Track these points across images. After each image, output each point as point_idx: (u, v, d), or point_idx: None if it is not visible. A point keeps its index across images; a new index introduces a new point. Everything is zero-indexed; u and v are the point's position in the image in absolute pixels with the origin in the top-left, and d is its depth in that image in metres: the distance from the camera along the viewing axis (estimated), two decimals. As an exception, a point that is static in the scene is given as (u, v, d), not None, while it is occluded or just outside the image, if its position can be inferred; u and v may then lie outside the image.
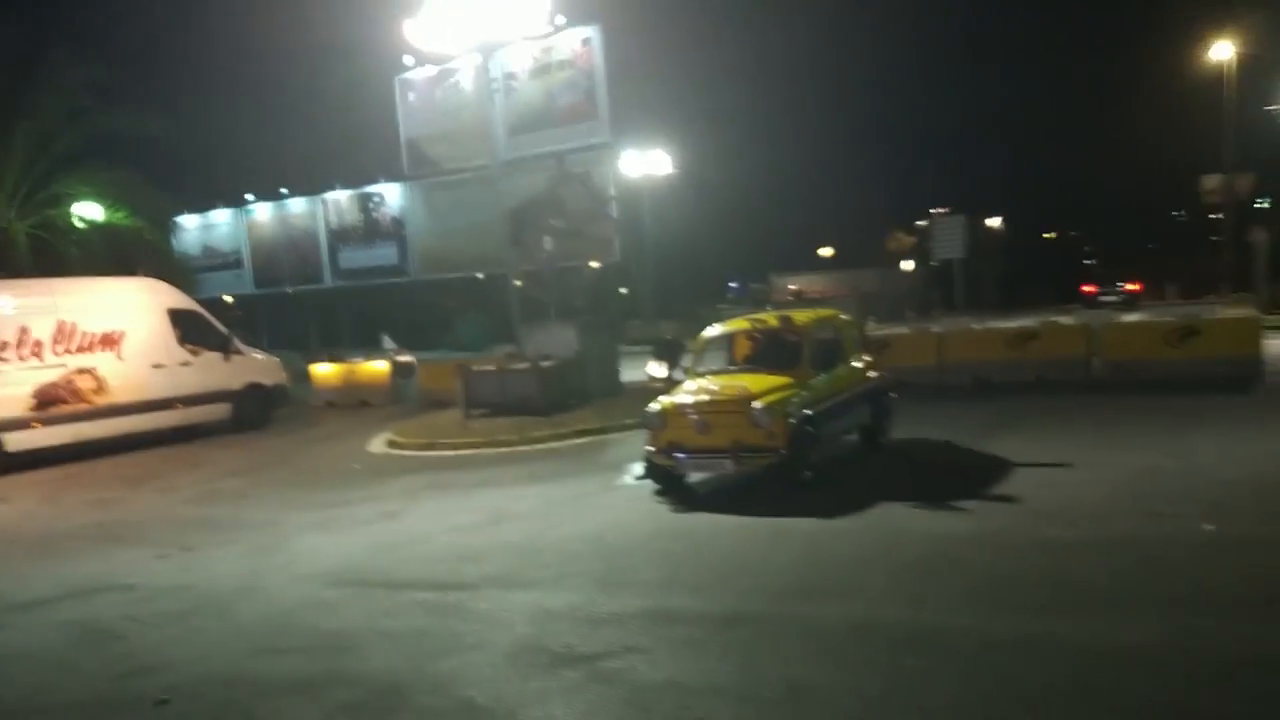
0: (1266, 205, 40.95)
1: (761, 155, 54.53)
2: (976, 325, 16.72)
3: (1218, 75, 31.99)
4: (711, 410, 8.58)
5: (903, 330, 17.46)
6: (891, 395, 10.84)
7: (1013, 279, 54.69)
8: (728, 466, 8.55)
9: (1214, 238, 37.48)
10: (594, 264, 24.53)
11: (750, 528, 7.55)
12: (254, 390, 17.57)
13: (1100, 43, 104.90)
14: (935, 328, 16.83)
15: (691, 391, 9.02)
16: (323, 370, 21.68)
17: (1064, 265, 63.44)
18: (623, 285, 45.38)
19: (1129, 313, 16.55)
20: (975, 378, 15.04)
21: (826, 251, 62.30)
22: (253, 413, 17.47)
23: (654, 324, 37.26)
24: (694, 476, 9.15)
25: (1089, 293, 38.84)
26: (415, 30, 17.79)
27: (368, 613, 6.19)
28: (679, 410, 8.77)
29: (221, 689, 5.09)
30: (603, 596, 6.04)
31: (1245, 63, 31.93)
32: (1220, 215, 36.38)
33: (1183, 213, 60.38)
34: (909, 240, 65.47)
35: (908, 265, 58.60)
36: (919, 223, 62.02)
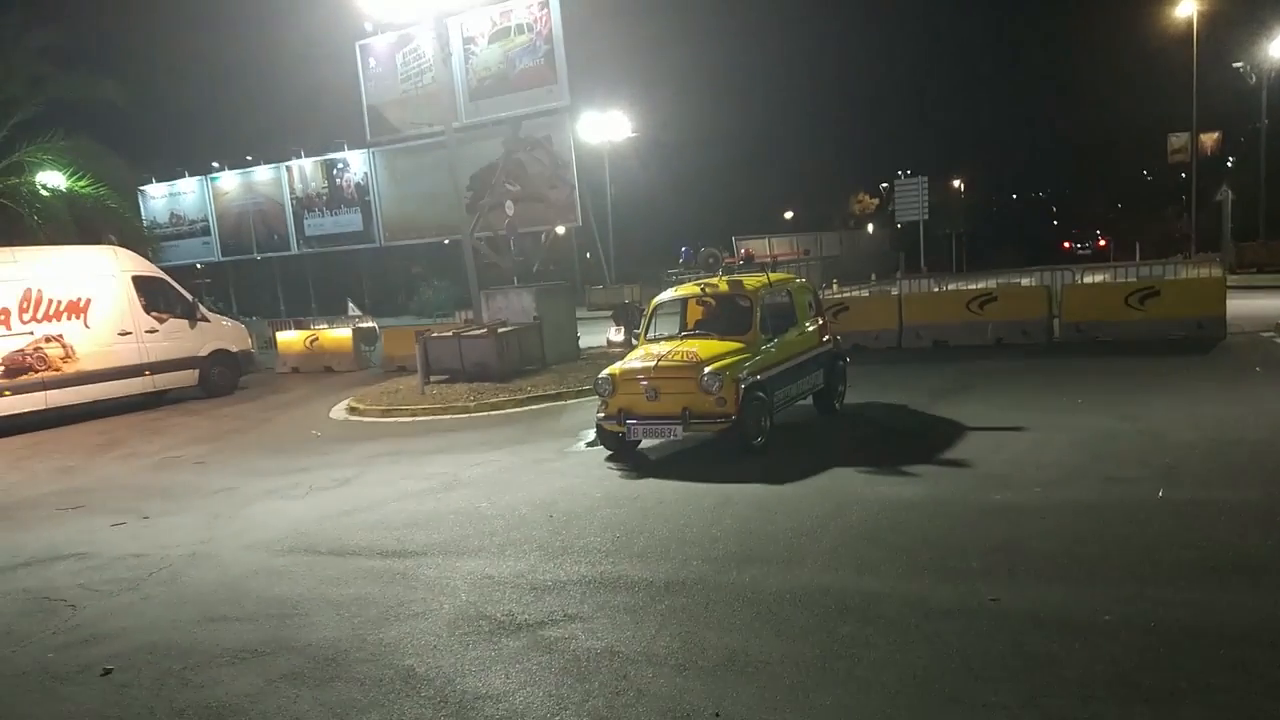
0: (1231, 164, 41.33)
1: (723, 119, 54.27)
2: (936, 288, 16.82)
3: (1185, 32, 32.08)
4: (661, 376, 8.61)
5: (862, 293, 17.54)
6: (845, 360, 10.93)
7: (978, 240, 55.05)
8: (678, 433, 8.59)
9: (1182, 197, 37.78)
10: (558, 229, 24.39)
11: (698, 494, 7.61)
12: (220, 357, 17.58)
13: (1067, 3, 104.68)
14: (895, 290, 16.92)
15: (641, 357, 9.04)
16: (288, 337, 21.52)
17: (1030, 226, 63.87)
18: (585, 251, 45.21)
19: (1090, 274, 16.66)
20: (935, 341, 15.18)
21: (789, 215, 62.25)
22: (219, 379, 17.51)
23: (614, 289, 37.23)
24: (645, 443, 9.21)
25: (1066, 248, 40.70)
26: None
27: (316, 580, 6.21)
28: (629, 376, 8.79)
29: (166, 658, 5.10)
30: (547, 564, 6.09)
31: (1212, 20, 32.08)
32: (1186, 174, 36.70)
33: (1149, 173, 60.81)
34: (872, 203, 65.61)
35: (870, 228, 58.77)
36: (883, 185, 62.15)
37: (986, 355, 13.93)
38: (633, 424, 8.70)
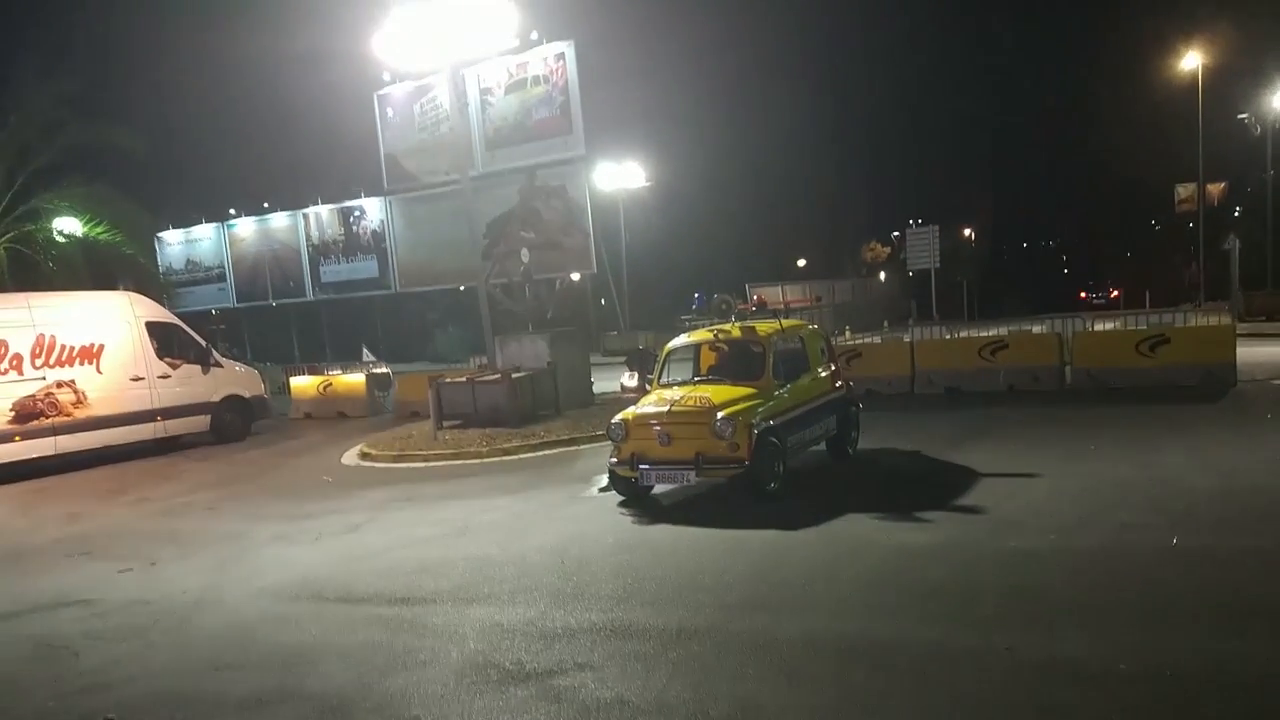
0: (1238, 214, 41.41)
1: (736, 168, 54.75)
2: (948, 335, 16.80)
3: (1191, 84, 32.39)
4: (674, 421, 8.60)
5: (875, 340, 17.54)
6: (858, 406, 10.90)
7: (990, 288, 55.12)
8: (691, 478, 8.57)
9: (1190, 246, 37.88)
10: (573, 276, 24.57)
11: (711, 539, 7.56)
12: (233, 402, 17.61)
13: (1075, 56, 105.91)
14: (907, 337, 16.91)
15: (655, 403, 9.04)
16: (301, 382, 21.61)
17: (1041, 274, 64.04)
18: (599, 297, 45.48)
19: (1101, 321, 16.63)
20: (947, 387, 15.13)
21: (802, 262, 62.62)
22: (231, 425, 17.52)
23: (629, 335, 37.36)
24: (658, 488, 9.17)
25: (1083, 297, 41.53)
26: (386, 47, 17.84)
27: (323, 628, 6.16)
28: (642, 421, 8.78)
29: (169, 707, 5.05)
30: (558, 611, 6.03)
31: (1218, 71, 32.40)
32: (1193, 224, 36.80)
33: (1157, 223, 61.02)
34: (884, 251, 65.93)
35: (883, 275, 59.00)
36: (894, 234, 62.50)
37: (999, 402, 13.87)
38: (646, 469, 8.67)
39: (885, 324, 32.25)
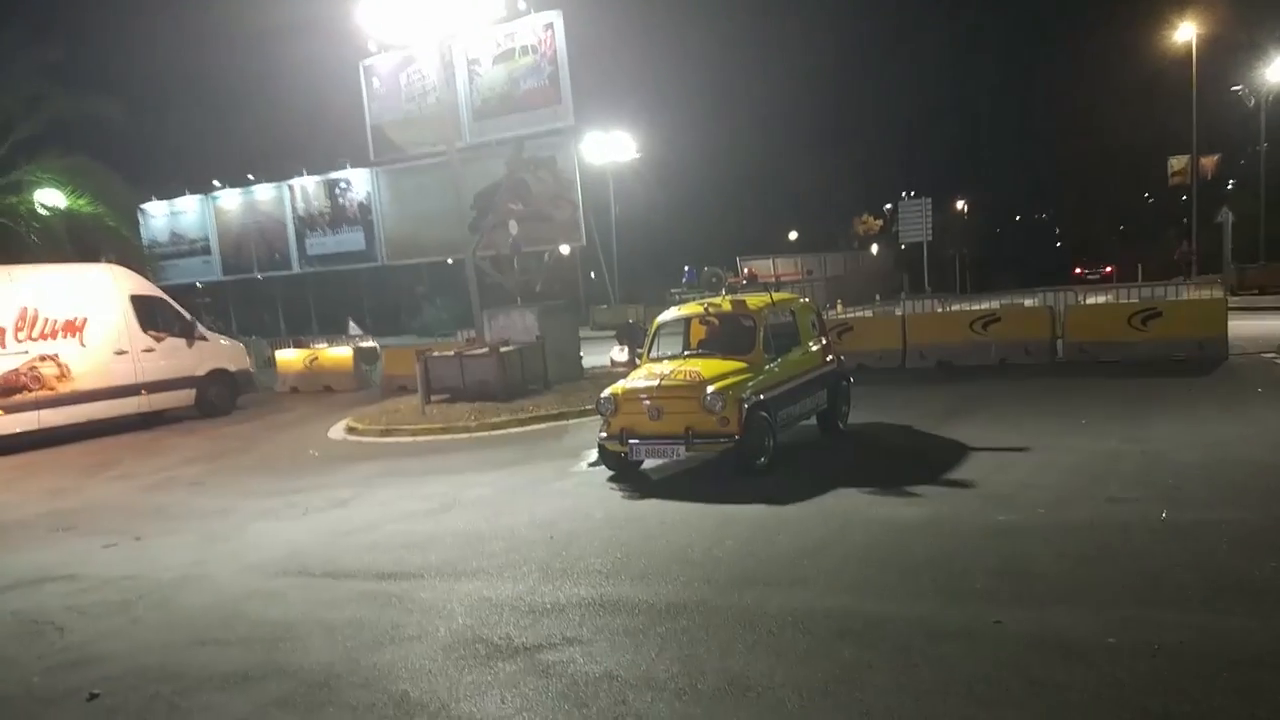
0: (1231, 187, 41.41)
1: (727, 139, 54.51)
2: (940, 308, 16.77)
3: (1185, 56, 32.23)
4: (664, 396, 8.55)
5: (866, 314, 17.49)
6: (849, 380, 10.86)
7: (982, 261, 55.12)
8: (681, 452, 8.53)
9: (1184, 219, 37.88)
10: (562, 249, 24.40)
11: (700, 514, 7.52)
12: (218, 376, 17.50)
13: (1070, 27, 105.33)
14: (899, 311, 16.88)
15: (644, 377, 8.98)
16: (287, 356, 21.47)
17: (1033, 248, 64.07)
18: (589, 270, 45.30)
19: (1093, 295, 16.62)
20: (939, 361, 15.11)
21: (793, 235, 62.44)
22: (217, 399, 17.41)
23: (619, 308, 37.25)
24: (647, 463, 9.13)
25: (1079, 273, 42.34)
26: (371, 17, 17.56)
27: (310, 603, 6.11)
28: (632, 396, 8.72)
29: (154, 682, 4.99)
30: (546, 585, 5.99)
31: (1211, 43, 32.24)
32: (1186, 197, 36.77)
33: (1150, 196, 60.96)
34: (876, 224, 65.79)
35: (875, 249, 58.91)
36: (887, 206, 62.32)
37: (990, 375, 13.86)
38: (635, 444, 8.63)
39: (877, 297, 32.24)
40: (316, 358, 20.91)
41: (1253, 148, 34.77)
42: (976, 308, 16.01)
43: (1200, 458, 8.00)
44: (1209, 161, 36.79)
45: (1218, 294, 14.88)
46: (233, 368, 17.91)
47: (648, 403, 8.60)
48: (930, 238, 33.55)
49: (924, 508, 7.17)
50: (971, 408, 11.38)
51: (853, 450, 9.86)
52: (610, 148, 40.96)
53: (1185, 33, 31.82)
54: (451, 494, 9.09)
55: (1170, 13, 32.51)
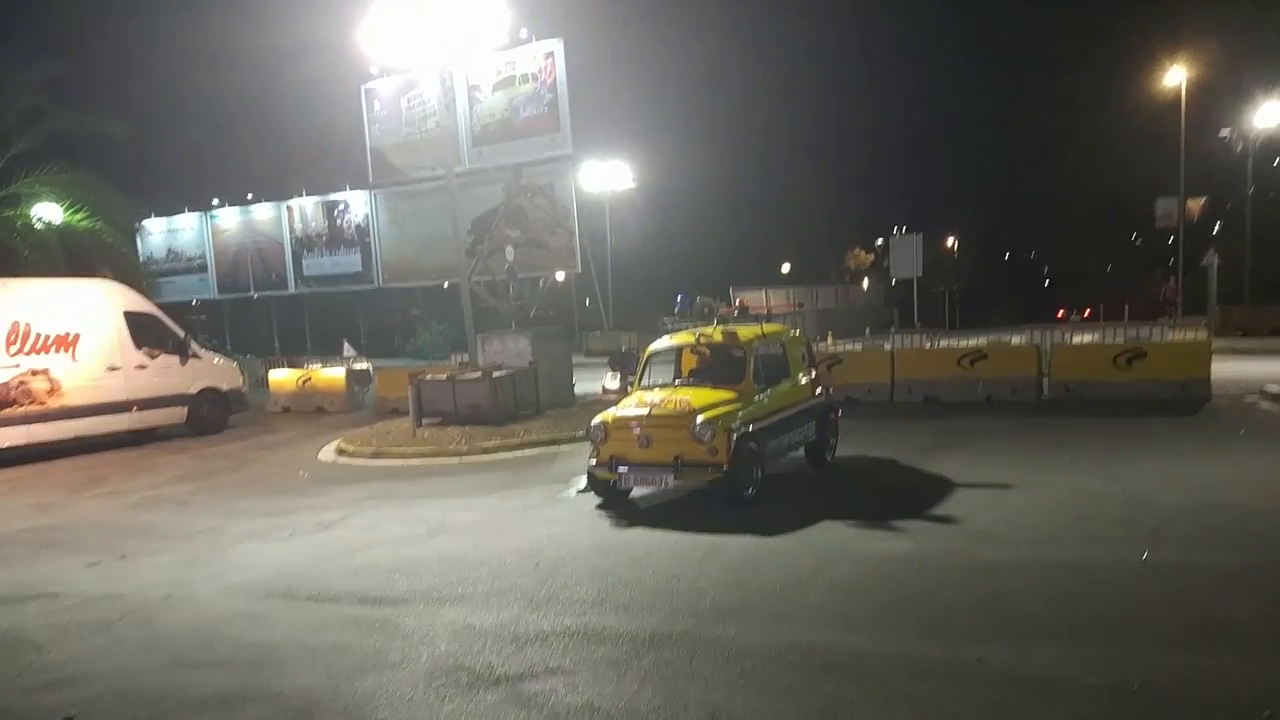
0: (1218, 230, 41.86)
1: (722, 171, 54.88)
2: (928, 344, 16.88)
3: (1175, 100, 32.69)
4: (654, 424, 8.59)
5: (856, 347, 17.59)
6: (837, 412, 10.93)
7: (971, 298, 55.44)
8: (670, 481, 8.56)
9: (1170, 261, 38.25)
10: (558, 276, 24.52)
11: (687, 544, 7.54)
12: (210, 394, 17.49)
13: (1063, 68, 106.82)
14: (888, 345, 16.99)
15: (635, 405, 9.02)
16: (280, 376, 21.46)
17: (1022, 286, 64.55)
18: (584, 297, 45.48)
19: (1079, 334, 16.74)
20: (926, 396, 15.20)
21: (786, 268, 62.85)
22: (208, 417, 17.39)
23: (612, 335, 37.35)
24: (636, 491, 9.15)
25: (1060, 316, 42.47)
26: (373, 40, 17.74)
27: (294, 626, 6.10)
28: (622, 423, 8.76)
29: (132, 705, 4.98)
30: (531, 614, 6.00)
31: (1200, 87, 32.69)
32: (1173, 239, 37.16)
33: (1138, 237, 61.60)
34: (868, 258, 66.23)
35: (866, 283, 59.30)
36: (878, 241, 62.78)
37: (976, 412, 13.93)
38: (624, 471, 8.66)
39: (867, 331, 32.37)
40: (309, 378, 20.90)
41: (1240, 192, 35.21)
42: (964, 344, 16.13)
43: (1182, 499, 8.07)
44: (1196, 204, 37.17)
45: (1202, 336, 15.02)
46: (225, 386, 17.90)
47: (638, 431, 8.65)
48: (921, 274, 33.79)
49: (908, 543, 7.21)
50: (957, 444, 11.44)
51: (839, 483, 9.89)
52: (607, 176, 41.25)
53: (1175, 77, 32.30)
54: (440, 518, 9.09)
55: (1160, 56, 33.04)
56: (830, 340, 20.24)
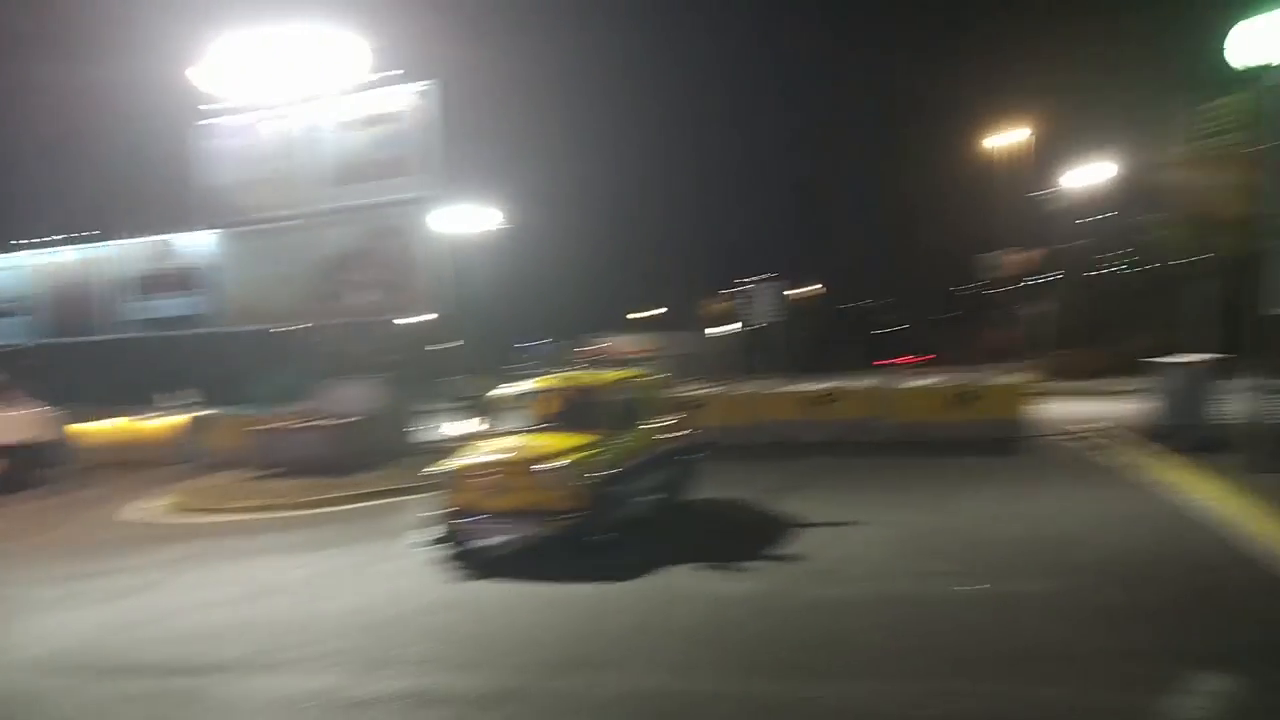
0: (1038, 281, 45.12)
1: (589, 218, 55.64)
2: (781, 388, 17.34)
3: (1011, 156, 35.21)
4: (506, 471, 8.34)
5: (713, 391, 17.87)
6: (696, 456, 10.95)
7: (823, 344, 57.63)
8: (520, 530, 8.33)
9: (1005, 309, 40.95)
10: (415, 319, 23.89)
11: (534, 595, 7.33)
12: (23, 447, 16.05)
13: (905, 124, 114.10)
14: (743, 389, 17.34)
15: (486, 452, 8.77)
16: (103, 426, 19.93)
17: (869, 333, 67.77)
18: (445, 340, 44.69)
19: (919, 378, 17.58)
20: (779, 438, 15.52)
21: (649, 313, 63.91)
22: (21, 471, 15.93)
23: (468, 380, 36.74)
24: (486, 541, 8.84)
25: (903, 361, 44.38)
26: (218, 77, 17.02)
27: (81, 705, 5.49)
28: (472, 472, 8.48)
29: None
30: (362, 678, 5.62)
31: (1037, 144, 35.30)
32: (1008, 288, 39.89)
33: (976, 286, 65.87)
34: (727, 304, 68.15)
35: (727, 328, 60.86)
36: (736, 288, 64.75)
37: (825, 453, 14.31)
38: (472, 521, 8.37)
39: (724, 375, 32.99)
40: (136, 428, 19.48)
41: (1070, 243, 38.13)
42: (814, 388, 16.64)
43: (1008, 532, 8.49)
44: (1028, 256, 39.98)
45: (1026, 378, 16.06)
46: (40, 438, 16.48)
47: (488, 478, 8.38)
48: (776, 319, 34.90)
49: (755, 583, 7.25)
50: (805, 484, 11.70)
51: (692, 526, 9.90)
52: (475, 218, 40.79)
53: (1009, 137, 34.79)
54: (271, 577, 8.51)
55: (1002, 112, 35.52)
56: (688, 384, 20.48)
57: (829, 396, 15.74)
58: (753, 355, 45.47)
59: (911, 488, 11.09)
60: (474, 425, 15.79)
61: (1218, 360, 12.80)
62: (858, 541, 8.44)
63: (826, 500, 10.52)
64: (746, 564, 7.74)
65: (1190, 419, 12.46)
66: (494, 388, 10.47)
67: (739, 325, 54.74)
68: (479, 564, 8.46)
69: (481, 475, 8.42)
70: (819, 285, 69.19)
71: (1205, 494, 9.31)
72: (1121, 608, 6.11)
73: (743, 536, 9.09)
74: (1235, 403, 12.04)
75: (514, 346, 42.22)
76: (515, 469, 8.36)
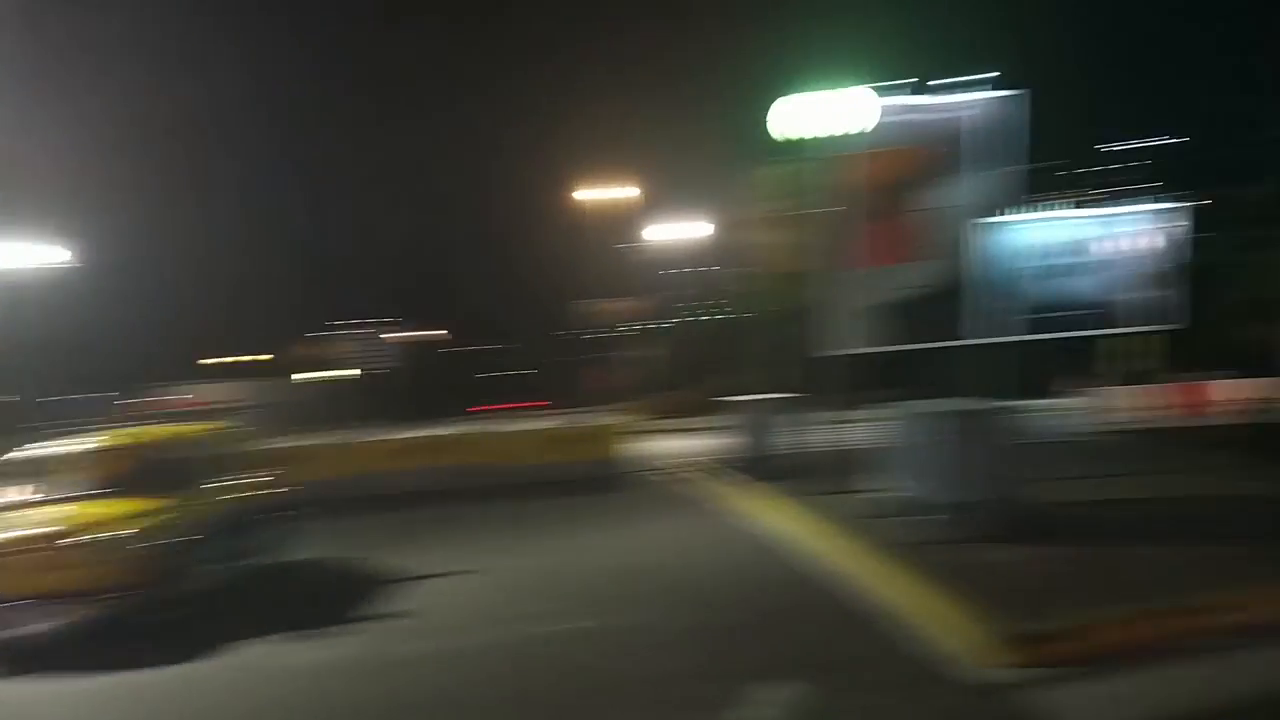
0: (639, 327, 49.16)
1: (170, 257, 50.23)
2: (386, 436, 16.86)
3: (603, 212, 37.75)
4: (30, 549, 7.02)
5: (311, 442, 16.87)
6: (289, 514, 10.10)
7: (427, 389, 57.36)
8: (67, 614, 7.03)
9: (613, 353, 43.76)
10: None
11: (91, 692, 6.22)
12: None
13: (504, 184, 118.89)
14: (340, 439, 16.60)
15: (20, 525, 7.29)
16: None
17: (477, 375, 68.90)
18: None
19: (520, 421, 18.19)
20: (385, 490, 14.94)
21: (232, 358, 59.32)
22: None
23: (23, 434, 31.08)
24: (21, 630, 7.30)
25: (512, 406, 44.99)
26: None
27: None
28: (-2, 550, 7.00)
29: None
30: None
31: (637, 204, 38.19)
32: (614, 333, 42.99)
33: (581, 332, 69.83)
34: (326, 348, 65.31)
35: (319, 373, 58.31)
36: (338, 331, 62.37)
37: (429, 502, 14.01)
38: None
39: (326, 424, 31.26)
40: None
41: (666, 292, 42.04)
42: (415, 435, 16.48)
43: (608, 566, 9.03)
44: (632, 304, 43.15)
45: (619, 419, 17.33)
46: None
47: (22, 557, 6.97)
48: (379, 366, 34.05)
49: (333, 648, 6.85)
50: (411, 535, 11.43)
51: (286, 590, 9.15)
52: (32, 254, 34.71)
53: (618, 191, 37.39)
54: None
55: (597, 170, 38.00)
56: (278, 435, 19.07)
57: (432, 444, 15.64)
58: (360, 401, 43.85)
59: (515, 532, 11.35)
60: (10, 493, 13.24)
61: (784, 398, 14.75)
62: (462, 591, 8.39)
63: (431, 550, 10.34)
64: (346, 626, 7.34)
65: (762, 450, 14.18)
66: (48, 445, 8.81)
67: (332, 371, 52.60)
68: (8, 661, 6.98)
69: (10, 554, 7.00)
70: (443, 330, 69.00)
71: (773, 519, 10.56)
72: (696, 630, 6.66)
73: (344, 597, 8.52)
74: (798, 434, 13.86)
75: (38, 401, 36.21)
76: (42, 544, 7.06)
